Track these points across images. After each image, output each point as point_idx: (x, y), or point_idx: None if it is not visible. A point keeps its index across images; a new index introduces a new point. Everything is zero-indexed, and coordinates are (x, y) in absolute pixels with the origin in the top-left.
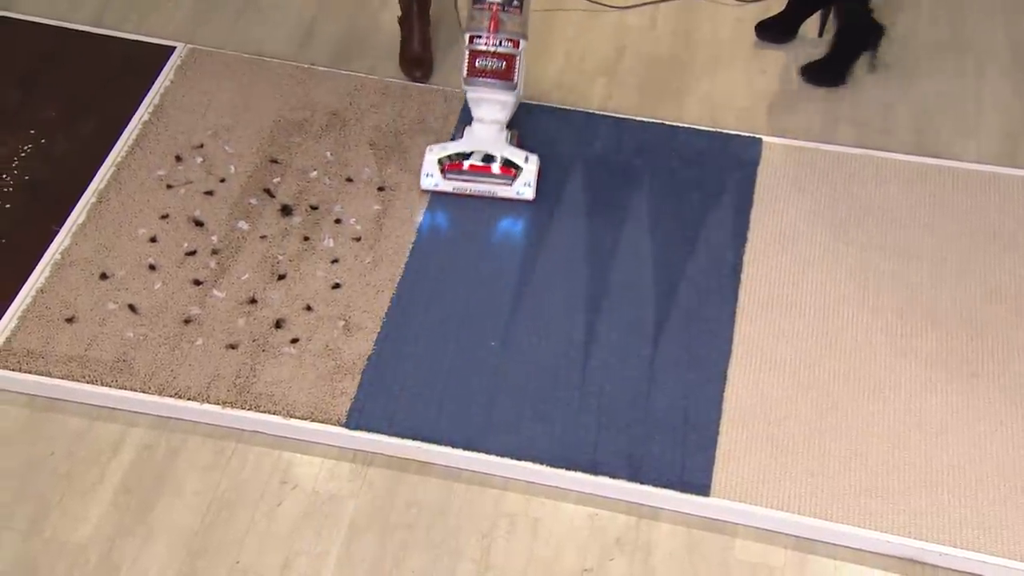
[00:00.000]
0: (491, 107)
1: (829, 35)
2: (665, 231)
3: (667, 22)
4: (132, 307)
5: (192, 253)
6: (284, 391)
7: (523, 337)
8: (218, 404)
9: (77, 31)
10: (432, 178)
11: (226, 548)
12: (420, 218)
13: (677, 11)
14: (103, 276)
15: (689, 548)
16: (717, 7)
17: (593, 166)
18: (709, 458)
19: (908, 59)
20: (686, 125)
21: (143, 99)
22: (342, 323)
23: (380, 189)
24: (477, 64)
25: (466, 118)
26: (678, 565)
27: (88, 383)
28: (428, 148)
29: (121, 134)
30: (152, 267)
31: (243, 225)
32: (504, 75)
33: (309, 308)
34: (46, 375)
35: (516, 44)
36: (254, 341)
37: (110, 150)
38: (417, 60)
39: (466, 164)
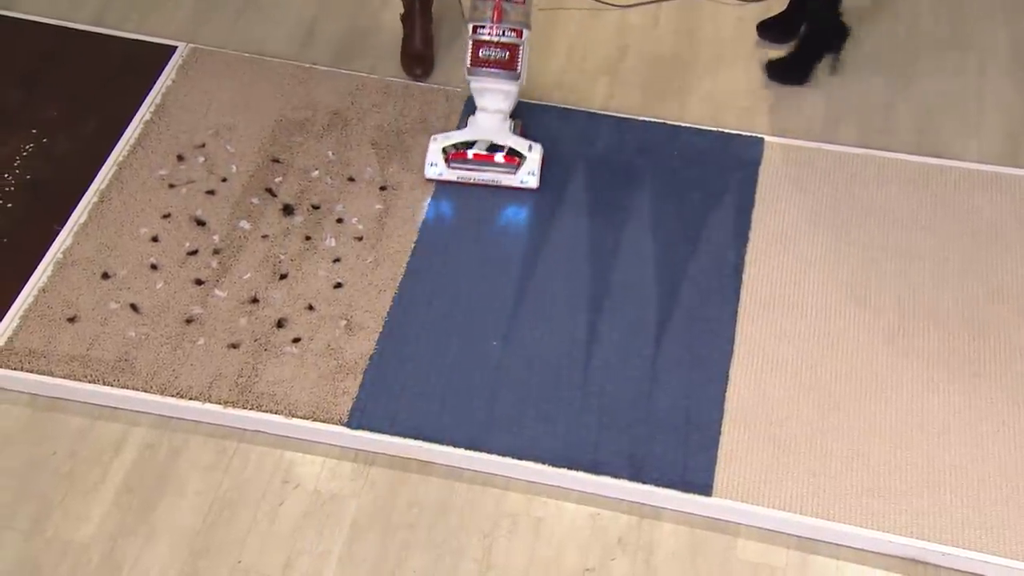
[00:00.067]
0: (494, 97)
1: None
2: (667, 231)
3: (669, 21)
4: (134, 306)
5: (194, 252)
6: (286, 391)
7: (525, 337)
8: (220, 404)
9: (78, 30)
10: (436, 167)
11: (228, 548)
12: (422, 218)
13: (679, 10)
14: (105, 275)
15: (691, 548)
16: (719, 6)
17: (595, 166)
18: (711, 458)
19: (909, 58)
20: (688, 125)
21: (144, 98)
22: (344, 323)
23: (382, 188)
24: (481, 54)
25: (468, 115)
26: (680, 565)
27: (90, 383)
28: (432, 137)
29: (123, 133)
30: (154, 266)
31: (245, 225)
32: (508, 65)
33: (311, 307)
34: (48, 374)
35: (519, 34)
36: (256, 341)
37: (112, 149)
38: (418, 57)
39: (470, 153)
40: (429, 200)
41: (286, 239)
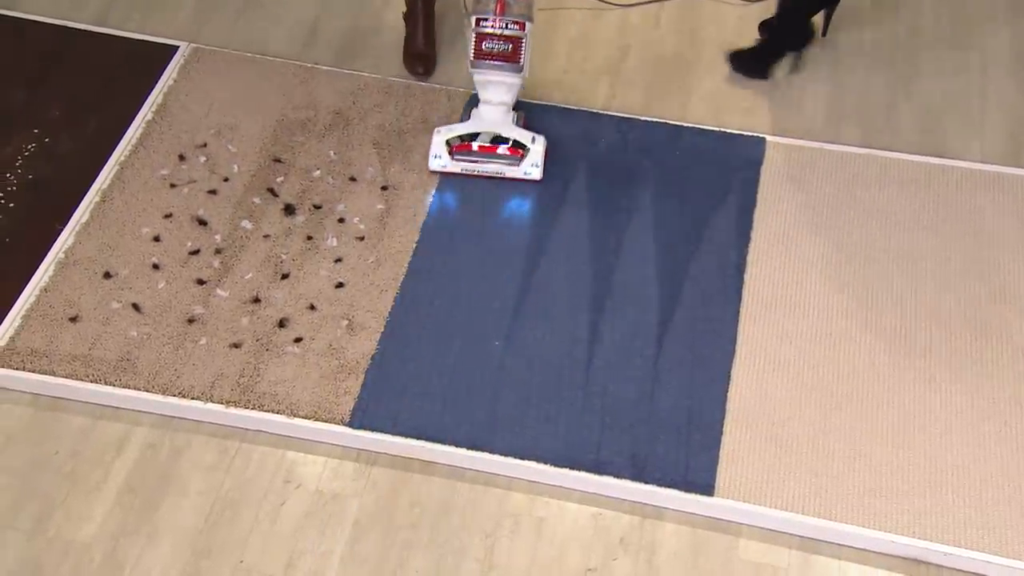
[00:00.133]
0: (498, 89)
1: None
2: (669, 231)
3: (671, 21)
4: (136, 306)
5: (196, 252)
6: (288, 390)
7: (527, 337)
8: (222, 403)
9: (80, 30)
10: (440, 159)
11: (230, 547)
12: (423, 217)
13: (681, 10)
14: (107, 275)
15: (693, 548)
16: (721, 6)
17: (596, 166)
18: (713, 458)
19: (911, 58)
20: (690, 124)
21: (146, 98)
22: (345, 322)
23: (383, 188)
24: (484, 47)
25: (471, 110)
26: (682, 565)
27: (92, 382)
28: (436, 130)
29: (124, 133)
30: (156, 266)
31: (247, 224)
32: (511, 57)
33: (313, 307)
34: (50, 374)
35: (522, 26)
36: (258, 340)
37: (113, 149)
38: (421, 56)
39: (475, 145)
40: (433, 192)
41: (288, 239)
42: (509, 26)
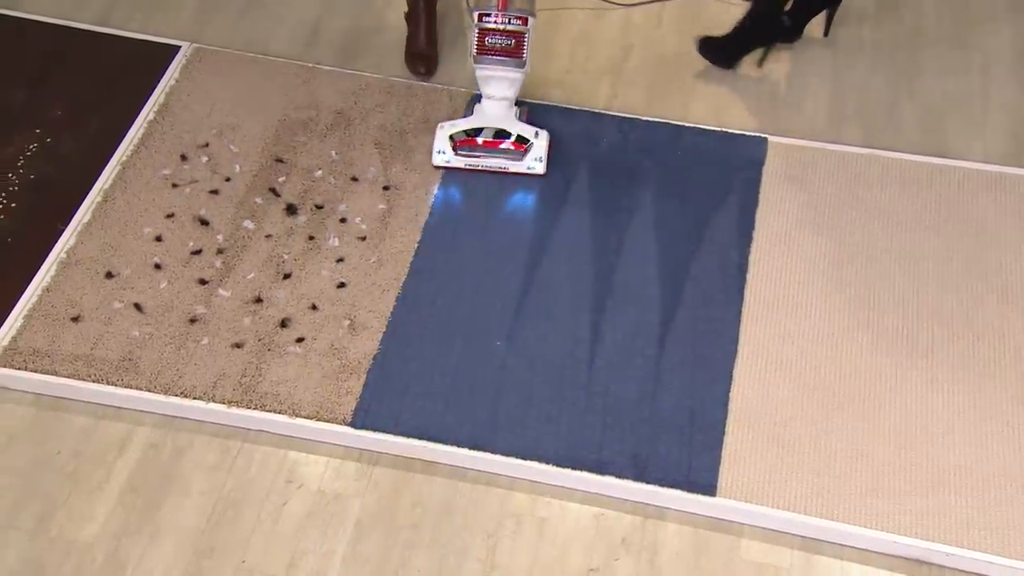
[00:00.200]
0: (500, 84)
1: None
2: (670, 231)
3: (672, 21)
4: (138, 306)
5: (198, 252)
6: (290, 390)
7: (529, 337)
8: (224, 403)
9: (82, 30)
10: (444, 155)
11: (232, 547)
12: (425, 217)
13: (682, 10)
14: (109, 275)
15: (695, 548)
16: (722, 6)
17: (598, 165)
18: (715, 458)
19: (912, 58)
20: (691, 124)
21: (148, 98)
22: (347, 322)
23: (385, 188)
24: (486, 42)
25: (474, 105)
26: (684, 565)
27: (94, 382)
28: (439, 125)
29: (126, 133)
30: (158, 266)
31: (248, 224)
32: (513, 52)
33: (314, 307)
34: (52, 374)
35: (525, 22)
36: (259, 340)
37: (115, 149)
38: (422, 56)
39: (480, 140)
40: (435, 192)
41: (290, 239)
42: (512, 21)
